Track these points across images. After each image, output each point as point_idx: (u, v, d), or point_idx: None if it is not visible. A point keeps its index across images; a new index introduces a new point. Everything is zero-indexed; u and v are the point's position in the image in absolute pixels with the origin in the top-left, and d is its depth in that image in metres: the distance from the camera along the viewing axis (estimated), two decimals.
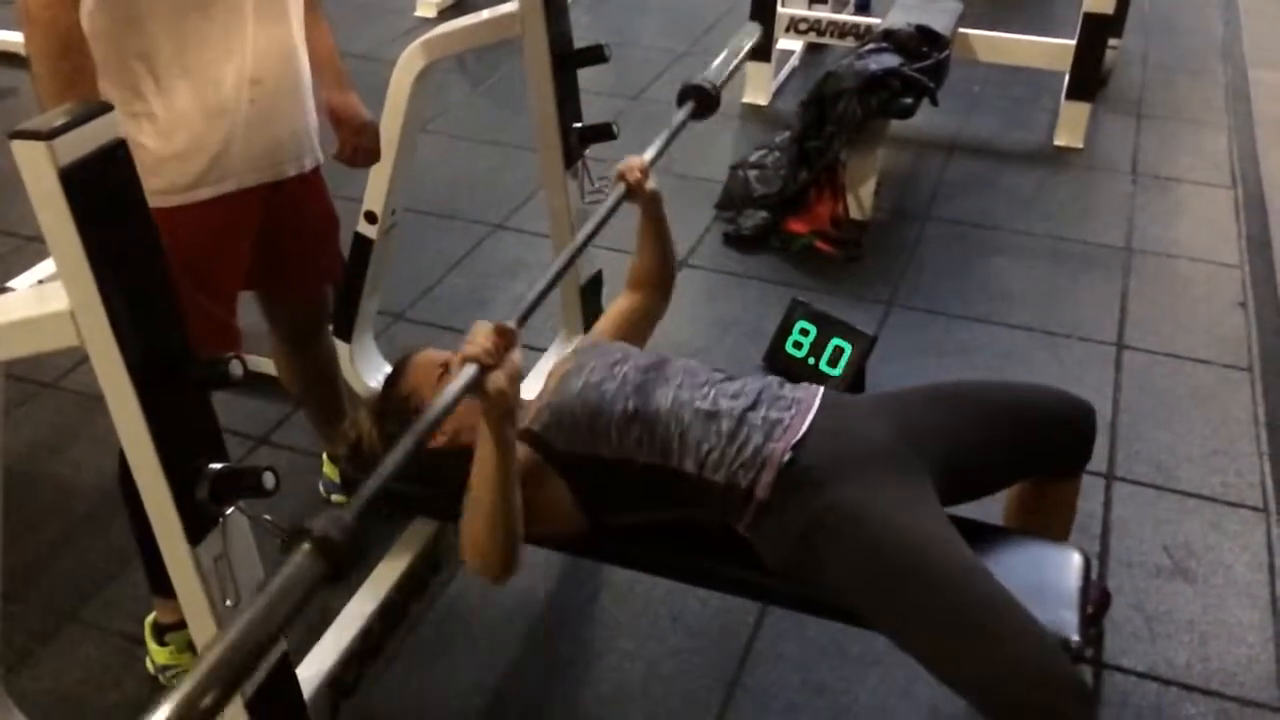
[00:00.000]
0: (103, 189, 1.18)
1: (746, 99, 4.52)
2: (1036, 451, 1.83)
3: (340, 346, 2.71)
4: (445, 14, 5.31)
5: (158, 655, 2.06)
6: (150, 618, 2.08)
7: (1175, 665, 2.14)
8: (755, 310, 3.22)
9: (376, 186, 2.41)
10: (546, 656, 2.16)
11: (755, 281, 3.40)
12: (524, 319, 1.49)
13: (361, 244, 2.51)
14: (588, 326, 2.58)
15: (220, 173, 1.79)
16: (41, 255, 2.93)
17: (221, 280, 1.87)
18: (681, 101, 2.09)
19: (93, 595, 2.26)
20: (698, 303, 3.31)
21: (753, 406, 1.71)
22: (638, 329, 2.02)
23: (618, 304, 2.05)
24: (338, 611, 1.84)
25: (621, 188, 1.85)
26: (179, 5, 1.68)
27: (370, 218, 2.47)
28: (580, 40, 2.24)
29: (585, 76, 2.29)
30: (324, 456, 2.50)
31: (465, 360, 1.38)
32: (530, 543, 1.86)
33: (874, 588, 1.57)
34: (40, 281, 2.51)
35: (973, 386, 1.87)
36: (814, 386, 1.80)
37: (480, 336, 1.39)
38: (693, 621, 2.22)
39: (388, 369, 2.73)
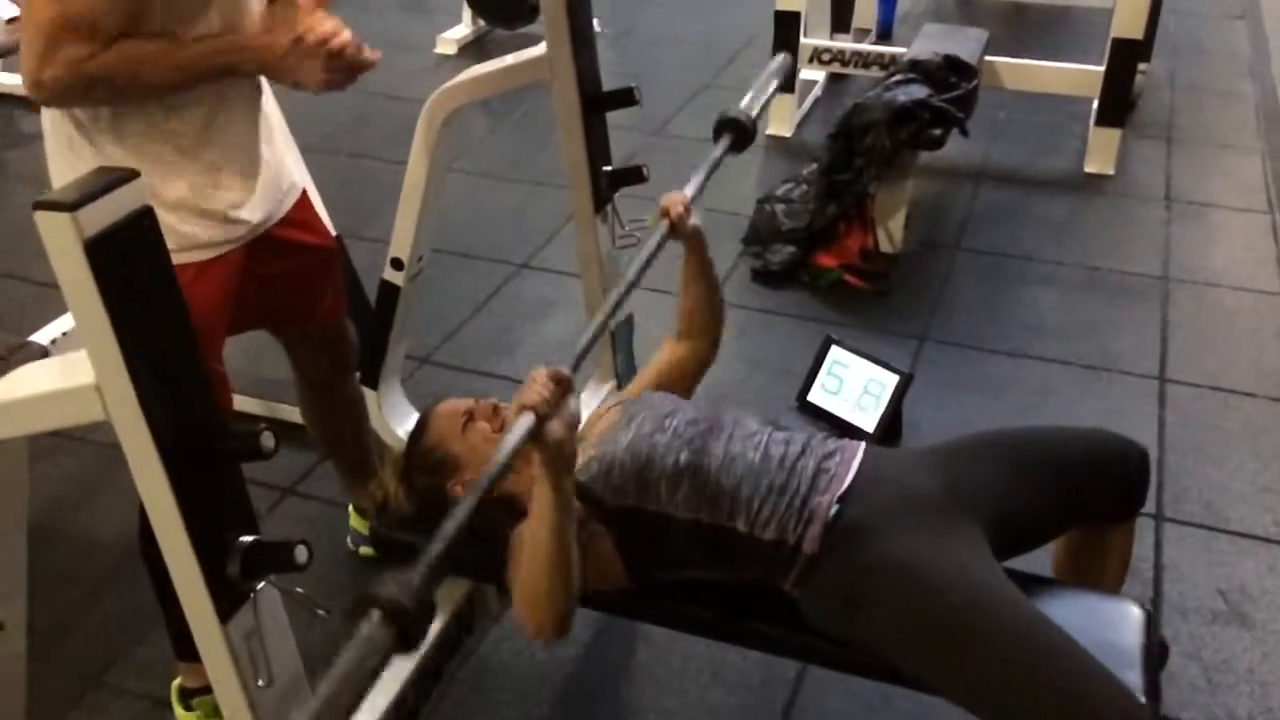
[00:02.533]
0: (129, 259, 1.14)
1: (771, 130, 4.48)
2: (1088, 498, 1.76)
3: (368, 395, 2.67)
4: (465, 50, 5.30)
5: None
6: (176, 682, 2.03)
7: (1237, 717, 2.06)
8: (785, 348, 3.16)
9: (403, 232, 2.37)
10: (584, 717, 2.10)
11: (784, 318, 3.34)
12: (577, 365, 1.43)
13: (388, 291, 2.46)
14: (619, 370, 2.53)
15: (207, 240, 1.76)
16: (61, 306, 2.91)
17: (210, 331, 1.82)
18: (718, 135, 2.04)
19: (119, 656, 2.21)
20: (725, 340, 3.15)
21: (801, 454, 1.66)
22: (685, 380, 1.97)
23: (663, 354, 1.99)
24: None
25: (664, 225, 1.79)
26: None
27: (396, 264, 2.42)
28: (602, 75, 2.20)
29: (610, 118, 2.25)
30: (350, 508, 2.45)
31: (523, 409, 1.33)
32: None
33: (930, 645, 1.51)
34: (64, 334, 2.48)
35: (1019, 434, 1.81)
36: (857, 441, 1.74)
37: (537, 384, 1.35)
38: (733, 678, 2.15)
39: (417, 416, 2.70)
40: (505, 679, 2.16)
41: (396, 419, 2.66)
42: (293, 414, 2.69)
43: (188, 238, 1.70)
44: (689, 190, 1.86)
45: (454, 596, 1.85)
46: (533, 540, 1.48)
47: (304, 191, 1.99)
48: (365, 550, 2.41)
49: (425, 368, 3.10)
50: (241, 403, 2.74)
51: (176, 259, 1.69)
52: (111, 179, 1.12)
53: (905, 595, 1.51)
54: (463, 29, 5.44)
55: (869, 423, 2.74)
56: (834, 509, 1.58)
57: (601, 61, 2.20)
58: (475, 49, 5.30)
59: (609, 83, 2.21)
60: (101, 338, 1.13)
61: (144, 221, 1.15)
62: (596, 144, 2.18)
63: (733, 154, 2.04)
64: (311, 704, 0.94)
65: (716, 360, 3.07)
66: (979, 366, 3.09)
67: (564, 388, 1.36)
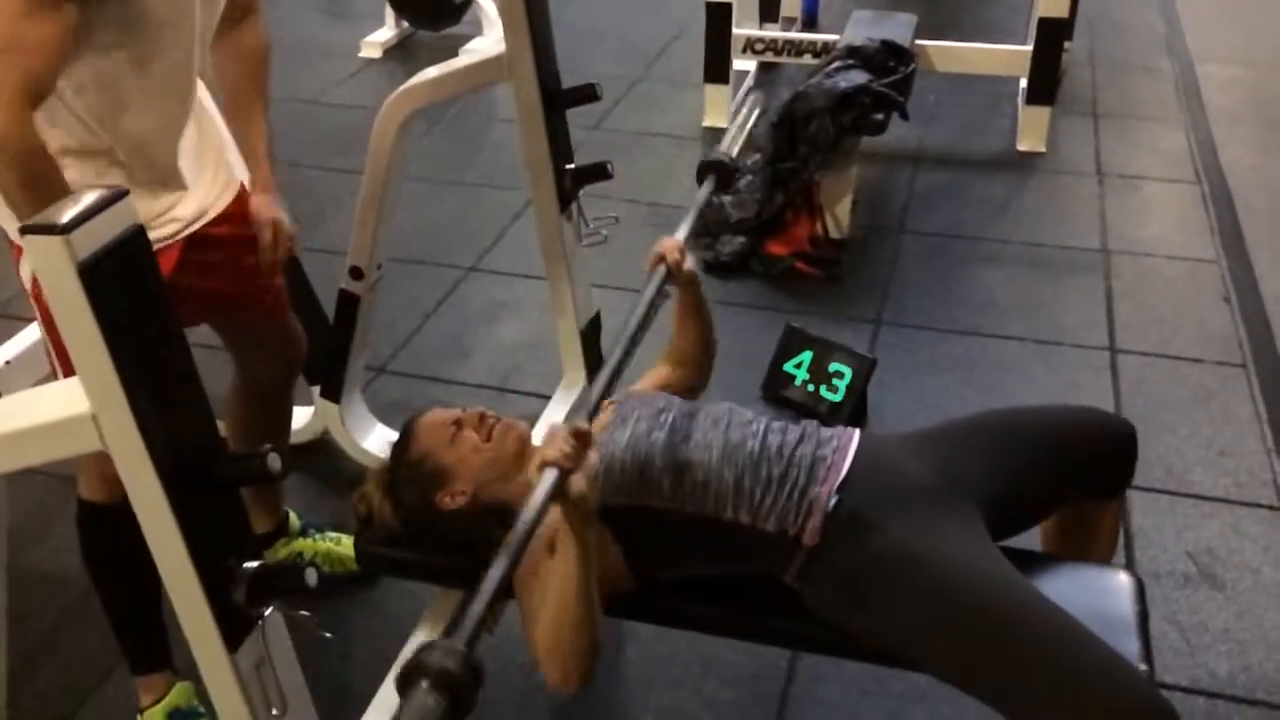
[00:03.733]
0: (124, 281, 1.09)
1: (707, 122, 4.48)
2: (1079, 476, 1.79)
3: (329, 408, 2.61)
4: (390, 53, 5.21)
5: None
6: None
7: (1219, 677, 2.10)
8: (743, 337, 3.16)
9: (362, 240, 2.32)
10: (581, 718, 2.08)
11: (740, 308, 3.34)
12: (594, 414, 1.48)
13: (347, 301, 2.41)
14: (589, 369, 2.51)
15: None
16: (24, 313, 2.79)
17: None
18: (701, 178, 2.09)
19: (89, 696, 2.13)
20: None
21: (800, 442, 1.66)
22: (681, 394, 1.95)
23: (659, 373, 2.00)
24: (367, 696, 1.73)
25: (662, 270, 1.82)
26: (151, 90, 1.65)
27: (355, 273, 2.37)
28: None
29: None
30: None
31: (546, 465, 1.35)
32: None
33: (936, 634, 1.51)
34: (7, 363, 2.37)
35: (1009, 416, 1.83)
36: (850, 429, 1.74)
37: (559, 440, 1.36)
38: (725, 670, 2.14)
39: (380, 428, 2.65)
40: (500, 687, 2.12)
41: (360, 432, 2.60)
42: None
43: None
44: (680, 234, 1.89)
45: (447, 608, 1.81)
46: (560, 599, 1.47)
47: (241, 185, 1.94)
48: None
49: (382, 377, 3.04)
50: None
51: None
52: (102, 198, 1.07)
53: (908, 585, 1.51)
54: (386, 32, 5.35)
55: (835, 410, 2.75)
56: (834, 500, 1.58)
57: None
58: (400, 52, 5.22)
59: None
60: (98, 364, 1.08)
61: (137, 241, 1.10)
62: (559, 142, 2.16)
63: (718, 195, 2.11)
64: None
65: None
66: (936, 347, 3.12)
67: (584, 442, 1.38)
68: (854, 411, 2.74)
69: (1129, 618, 1.65)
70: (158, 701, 1.96)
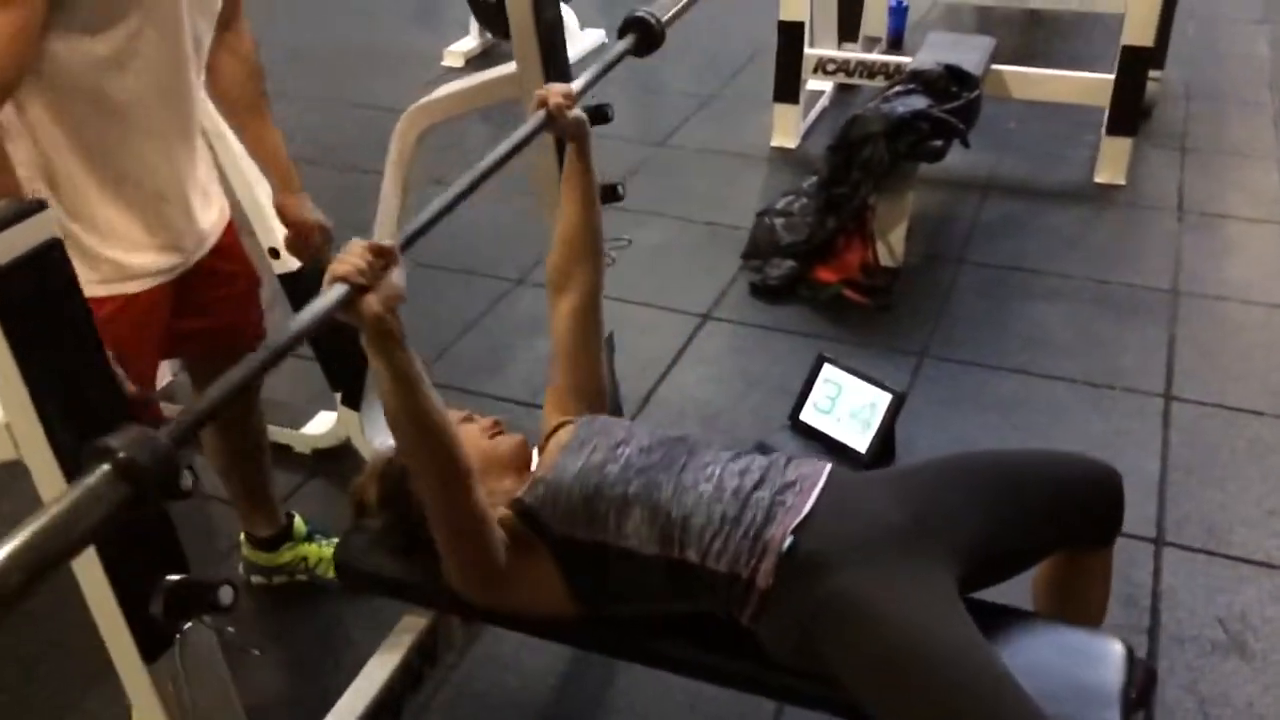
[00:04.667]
0: (37, 293, 1.10)
1: (775, 142, 4.43)
2: (1063, 524, 1.69)
3: (350, 415, 2.64)
4: (472, 63, 5.28)
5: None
6: None
7: None
8: (783, 365, 3.10)
9: (385, 238, 2.33)
10: None
11: (782, 334, 3.28)
12: (409, 242, 1.37)
13: None
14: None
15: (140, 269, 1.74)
16: None
17: (143, 359, 1.81)
18: (623, 34, 1.96)
19: (94, 682, 2.17)
20: (722, 357, 3.19)
21: (757, 486, 1.60)
22: (586, 329, 1.87)
23: (555, 321, 1.88)
24: (327, 707, 1.73)
25: (540, 115, 1.71)
26: (102, 116, 1.63)
27: None
28: (605, 84, 2.14)
29: (609, 123, 2.19)
30: (242, 537, 2.37)
31: (334, 280, 1.24)
32: (518, 628, 1.77)
33: (875, 684, 1.45)
34: None
35: (988, 458, 1.74)
36: (821, 463, 1.67)
37: (354, 254, 1.25)
38: (710, 709, 2.09)
39: None
40: (479, 707, 2.11)
41: (380, 439, 2.62)
42: (279, 434, 2.68)
43: (124, 269, 1.68)
44: (576, 85, 1.78)
45: (415, 628, 1.81)
46: (394, 427, 1.42)
47: (230, 221, 1.97)
48: (257, 579, 2.37)
49: None
50: None
51: (110, 289, 1.69)
52: (18, 210, 1.08)
53: (855, 633, 1.45)
54: (470, 41, 5.42)
55: (861, 443, 2.67)
56: (788, 541, 1.52)
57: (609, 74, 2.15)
58: (482, 61, 5.28)
59: (613, 93, 2.15)
60: (8, 376, 1.10)
61: (53, 254, 1.11)
62: None
63: (637, 56, 1.96)
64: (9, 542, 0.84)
65: (712, 377, 3.06)
66: (980, 384, 3.02)
67: (385, 260, 1.28)
68: (881, 445, 2.66)
69: (1110, 687, 1.56)
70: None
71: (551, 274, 1.88)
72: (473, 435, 1.72)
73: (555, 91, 1.73)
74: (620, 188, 2.17)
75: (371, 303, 1.26)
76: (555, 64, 2.04)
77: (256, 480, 2.29)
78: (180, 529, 2.55)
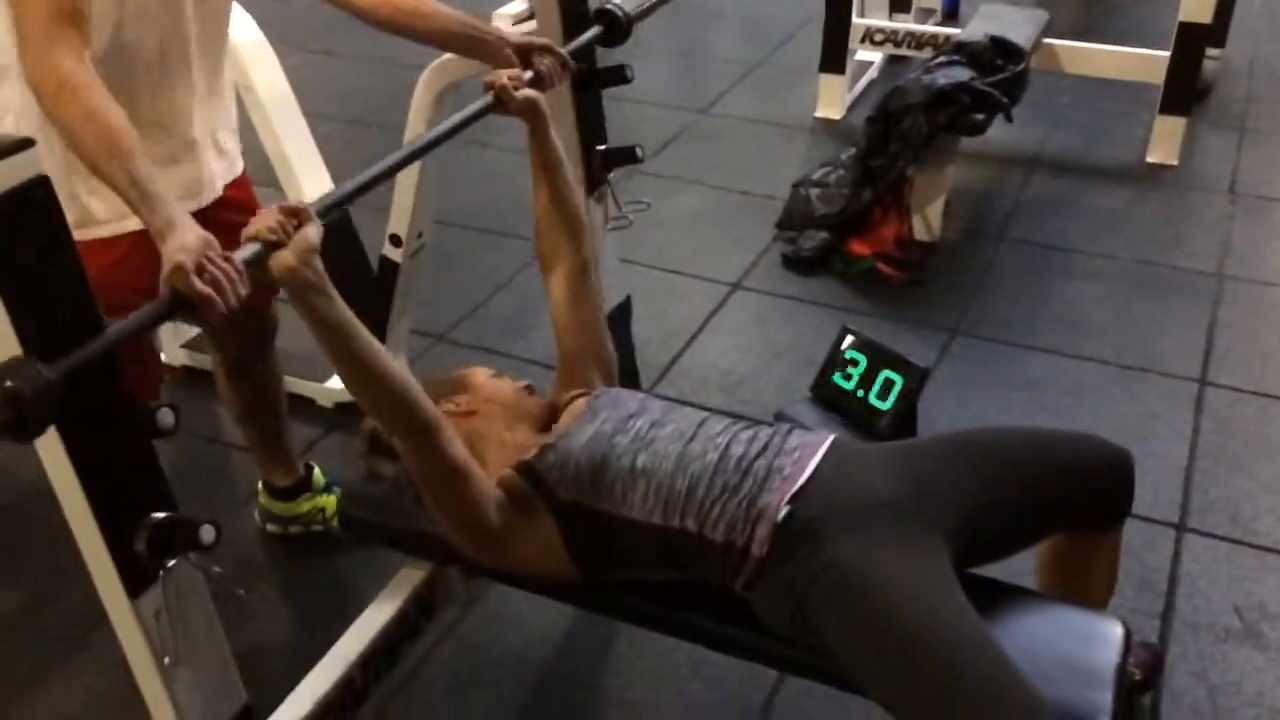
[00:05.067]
0: (22, 228, 1.12)
1: (819, 113, 4.37)
2: (1067, 505, 1.67)
3: None
4: (522, 25, 5.26)
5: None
6: None
7: None
8: (810, 337, 3.07)
9: (400, 209, 2.35)
10: (557, 704, 2.07)
11: (812, 306, 3.25)
12: (329, 209, 1.42)
13: (387, 267, 2.45)
14: (622, 355, 2.47)
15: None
16: None
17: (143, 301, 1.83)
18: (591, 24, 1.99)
19: (101, 622, 2.22)
20: (748, 327, 3.18)
21: (759, 455, 1.59)
22: (579, 303, 1.87)
23: (550, 297, 1.89)
24: (320, 654, 1.76)
25: (489, 97, 1.73)
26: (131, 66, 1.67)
27: (395, 241, 2.41)
28: (651, 52, 2.13)
29: (653, 89, 2.17)
30: (260, 485, 2.40)
31: (247, 240, 1.32)
32: (518, 585, 1.78)
33: (864, 656, 1.44)
34: None
35: (993, 435, 1.72)
36: (823, 434, 1.66)
37: (269, 217, 1.33)
38: (711, 673, 2.09)
39: None
40: (480, 661, 2.14)
41: None
42: (300, 386, 2.71)
43: (122, 209, 1.70)
44: (529, 73, 1.80)
45: (413, 580, 1.83)
46: (349, 384, 1.46)
47: (243, 174, 1.98)
48: (273, 528, 2.40)
49: (440, 345, 3.08)
50: None
51: (111, 229, 1.71)
52: (4, 146, 1.10)
53: (847, 604, 1.44)
54: (519, 4, 5.39)
55: (881, 417, 2.64)
56: (784, 511, 1.51)
57: (652, 38, 2.15)
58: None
59: (656, 59, 2.14)
60: None
61: (37, 191, 1.13)
62: (589, 122, 2.13)
63: (604, 47, 2.00)
64: None
65: (737, 347, 3.04)
66: (1008, 363, 2.97)
67: (297, 219, 1.34)
68: (901, 420, 2.63)
69: (1104, 667, 1.53)
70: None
71: (538, 253, 1.90)
72: (503, 387, 1.78)
73: (503, 74, 1.75)
74: (639, 150, 2.16)
75: (284, 257, 1.31)
76: (575, 24, 2.03)
77: (273, 430, 2.32)
78: (199, 476, 2.64)
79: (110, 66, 1.63)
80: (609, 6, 1.96)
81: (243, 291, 1.27)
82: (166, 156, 1.78)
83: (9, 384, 1.02)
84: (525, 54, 1.85)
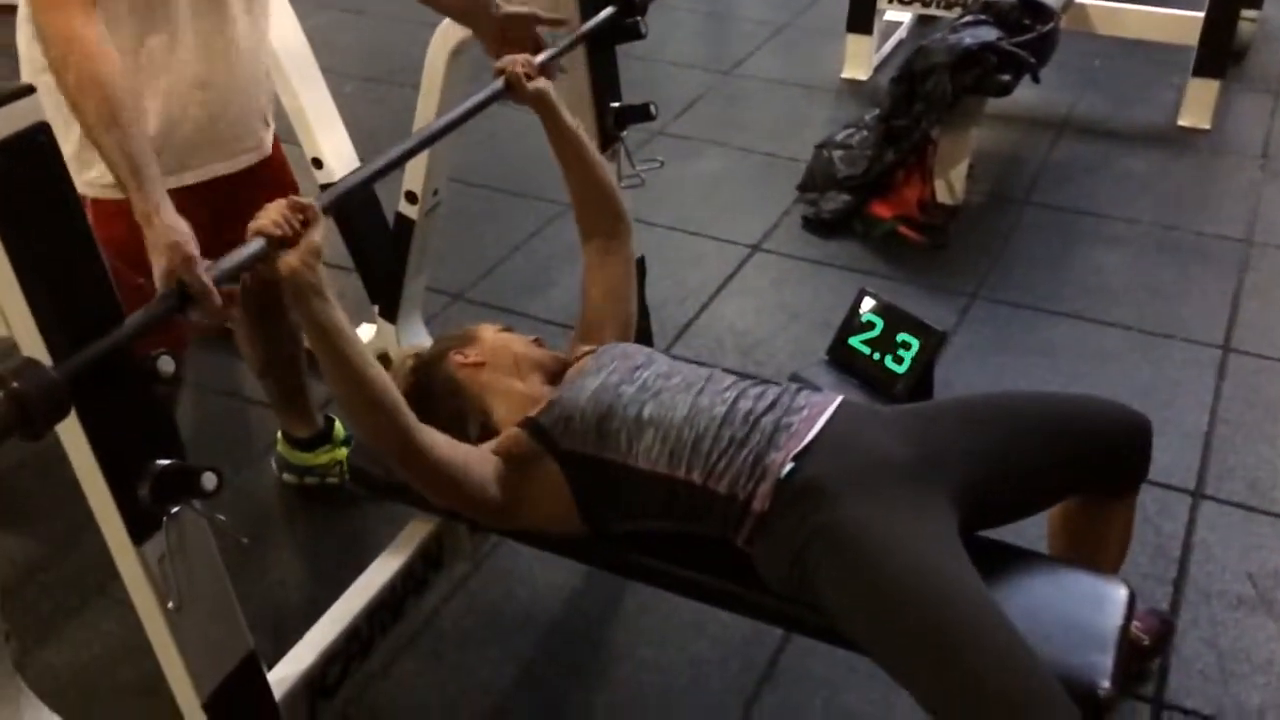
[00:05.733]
0: (22, 176, 1.13)
1: (846, 74, 4.33)
2: (1080, 469, 1.66)
3: (386, 327, 2.68)
4: None
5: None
6: None
7: (1246, 709, 1.93)
8: (828, 299, 3.06)
9: (416, 167, 2.35)
10: (563, 660, 2.08)
11: (832, 269, 3.23)
12: (333, 204, 1.42)
13: (403, 224, 2.45)
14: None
15: (170, 166, 1.74)
16: None
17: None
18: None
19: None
20: (766, 290, 3.16)
21: (768, 410, 1.59)
22: (609, 272, 1.90)
23: (585, 263, 1.91)
24: (325, 606, 1.78)
25: (499, 83, 1.72)
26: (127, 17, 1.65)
27: (411, 198, 2.41)
28: (677, 12, 2.11)
29: (676, 49, 2.15)
30: (279, 435, 2.43)
31: (253, 234, 1.30)
32: (525, 541, 1.80)
33: (861, 616, 1.44)
34: None
35: (1004, 399, 1.71)
36: (831, 394, 1.66)
37: (275, 211, 1.31)
38: (717, 631, 2.10)
39: None
40: (489, 616, 2.16)
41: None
42: None
43: None
44: (541, 56, 1.79)
45: (419, 534, 1.84)
46: (332, 386, 1.44)
47: (274, 149, 1.99)
48: (289, 477, 2.42)
49: (458, 304, 3.09)
50: None
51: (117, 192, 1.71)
52: (4, 93, 1.11)
53: (845, 563, 1.44)
54: None
55: (897, 380, 2.63)
56: (788, 467, 1.51)
57: None
58: None
59: (682, 19, 2.12)
60: None
61: (38, 138, 1.13)
62: (602, 79, 2.11)
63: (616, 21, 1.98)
64: None
65: (754, 308, 3.03)
66: (1029, 327, 2.94)
67: (305, 217, 1.32)
68: (917, 384, 2.61)
69: (1107, 630, 1.52)
70: None
71: (578, 223, 1.93)
72: (513, 340, 1.80)
73: (517, 61, 1.74)
74: (653, 107, 2.14)
75: (288, 258, 1.30)
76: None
77: (294, 384, 2.34)
78: (219, 430, 2.67)
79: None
80: None
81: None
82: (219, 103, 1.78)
83: (15, 386, 1.03)
84: (509, 28, 1.88)
